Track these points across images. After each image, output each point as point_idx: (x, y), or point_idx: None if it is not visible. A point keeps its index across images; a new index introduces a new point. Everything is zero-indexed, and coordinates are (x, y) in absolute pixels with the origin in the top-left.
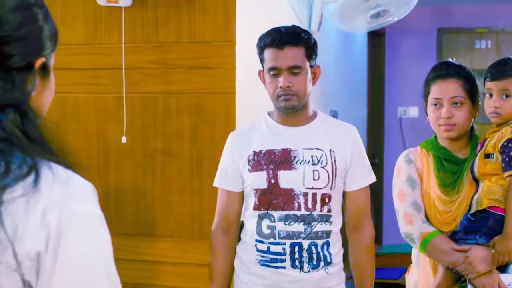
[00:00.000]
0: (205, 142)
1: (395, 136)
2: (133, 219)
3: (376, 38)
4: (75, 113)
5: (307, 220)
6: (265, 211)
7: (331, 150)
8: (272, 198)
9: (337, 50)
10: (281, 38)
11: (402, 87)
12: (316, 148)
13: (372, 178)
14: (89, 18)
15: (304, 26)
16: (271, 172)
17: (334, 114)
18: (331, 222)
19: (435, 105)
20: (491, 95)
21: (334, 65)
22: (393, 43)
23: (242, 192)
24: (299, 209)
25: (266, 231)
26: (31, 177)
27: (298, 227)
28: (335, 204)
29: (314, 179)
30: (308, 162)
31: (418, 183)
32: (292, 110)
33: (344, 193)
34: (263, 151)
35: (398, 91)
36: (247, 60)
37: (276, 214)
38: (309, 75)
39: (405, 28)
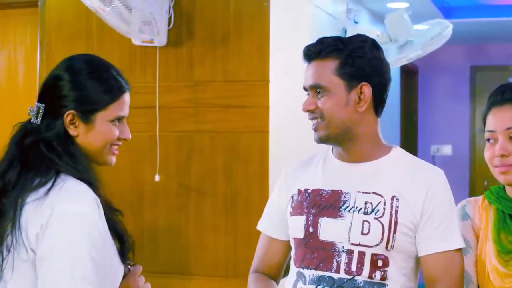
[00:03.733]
0: (239, 180)
1: None
2: (168, 257)
3: (409, 76)
4: None
5: (346, 287)
6: (299, 269)
7: (394, 197)
8: (307, 252)
9: None
10: (309, 49)
11: (435, 125)
12: (374, 193)
13: (456, 243)
14: (124, 58)
15: None
16: (311, 218)
17: None
18: None
19: (489, 140)
20: None
21: None
22: (426, 81)
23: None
24: (337, 271)
25: None
26: (47, 186)
27: None
28: (397, 271)
29: (362, 233)
30: (359, 210)
31: (472, 246)
32: (326, 143)
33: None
34: (308, 191)
35: (431, 129)
36: (281, 99)
37: (308, 274)
38: (343, 98)
39: (438, 66)
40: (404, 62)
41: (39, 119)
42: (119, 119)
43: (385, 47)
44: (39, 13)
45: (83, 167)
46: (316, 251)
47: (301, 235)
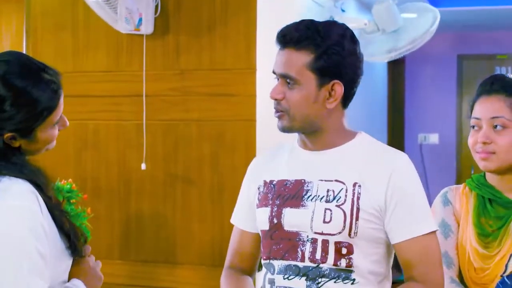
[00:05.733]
0: (226, 169)
1: (416, 162)
2: (154, 246)
3: (396, 65)
4: (96, 140)
5: (311, 274)
6: (267, 260)
7: (356, 184)
8: (273, 244)
9: None
10: (285, 35)
11: (423, 114)
12: (336, 180)
13: (427, 227)
14: (111, 46)
15: None
16: (275, 209)
17: None
18: (354, 281)
19: (473, 127)
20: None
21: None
22: (413, 70)
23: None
24: (302, 259)
25: (267, 286)
26: None
27: (299, 282)
28: (364, 258)
29: (324, 221)
30: (322, 199)
31: (453, 230)
32: (290, 132)
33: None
34: (274, 182)
35: (419, 118)
36: (267, 87)
37: (277, 264)
38: (312, 93)
39: (425, 55)
40: (394, 57)
41: None
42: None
43: (373, 37)
44: (24, 1)
45: (30, 171)
46: (282, 242)
47: (266, 227)
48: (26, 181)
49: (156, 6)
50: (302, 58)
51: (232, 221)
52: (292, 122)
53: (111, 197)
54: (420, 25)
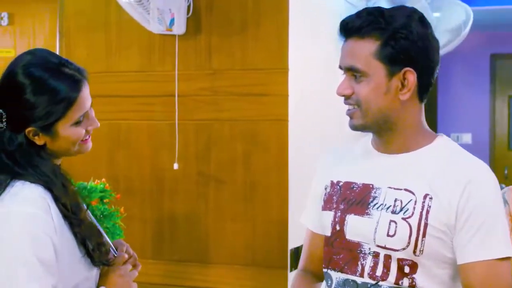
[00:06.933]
0: (258, 169)
1: None
2: (187, 245)
3: None
4: (128, 140)
5: None
6: (326, 270)
7: (427, 196)
8: (333, 253)
9: None
10: (346, 24)
11: (455, 113)
12: (405, 190)
13: (498, 251)
14: (143, 46)
15: None
16: (339, 214)
17: None
18: None
19: None
20: None
21: None
22: (445, 70)
23: None
24: (361, 274)
25: None
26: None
27: None
28: (429, 279)
29: (388, 235)
30: (388, 208)
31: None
32: (362, 131)
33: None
34: (340, 183)
35: (451, 117)
36: (300, 87)
37: (335, 276)
38: (383, 85)
39: (457, 54)
40: None
41: (4, 123)
42: (83, 116)
43: None
44: (58, 1)
45: (47, 178)
46: (342, 252)
47: (328, 233)
48: (40, 186)
49: (188, 7)
50: (367, 47)
51: (302, 220)
52: (364, 118)
53: (144, 197)
54: (453, 25)
